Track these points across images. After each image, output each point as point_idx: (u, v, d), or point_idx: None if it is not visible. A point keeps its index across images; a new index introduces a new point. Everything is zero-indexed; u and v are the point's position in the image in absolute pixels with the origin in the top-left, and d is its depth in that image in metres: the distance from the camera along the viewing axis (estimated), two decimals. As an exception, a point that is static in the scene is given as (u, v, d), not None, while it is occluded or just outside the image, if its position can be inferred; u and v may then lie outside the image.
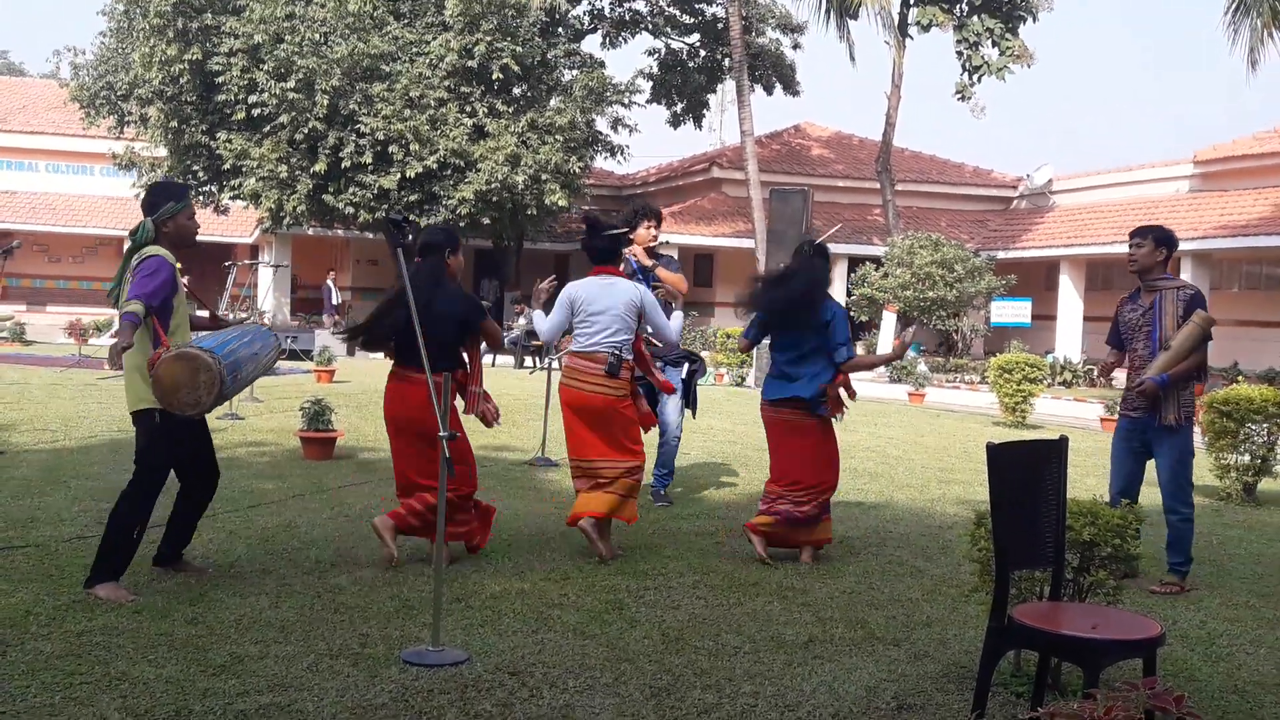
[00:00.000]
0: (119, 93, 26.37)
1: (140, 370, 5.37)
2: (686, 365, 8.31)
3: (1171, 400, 6.34)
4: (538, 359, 23.68)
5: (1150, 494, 6.44)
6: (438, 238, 6.44)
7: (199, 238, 5.93)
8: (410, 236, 6.07)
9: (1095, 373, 7.10)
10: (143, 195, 5.74)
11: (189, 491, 5.81)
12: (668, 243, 8.56)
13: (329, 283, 30.65)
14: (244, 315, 18.61)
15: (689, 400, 8.43)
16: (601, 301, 6.59)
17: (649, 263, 7.96)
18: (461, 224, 25.11)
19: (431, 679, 4.42)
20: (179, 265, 5.62)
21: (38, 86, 40.51)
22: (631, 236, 8.07)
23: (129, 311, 5.20)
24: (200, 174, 26.40)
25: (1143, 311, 6.53)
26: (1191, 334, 6.30)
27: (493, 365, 23.64)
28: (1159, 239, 6.51)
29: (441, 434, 4.98)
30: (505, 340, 24.53)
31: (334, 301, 30.63)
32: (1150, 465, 6.56)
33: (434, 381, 5.25)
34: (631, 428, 6.65)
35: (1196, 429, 9.92)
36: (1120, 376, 6.82)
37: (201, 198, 27.73)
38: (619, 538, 6.85)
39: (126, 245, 5.64)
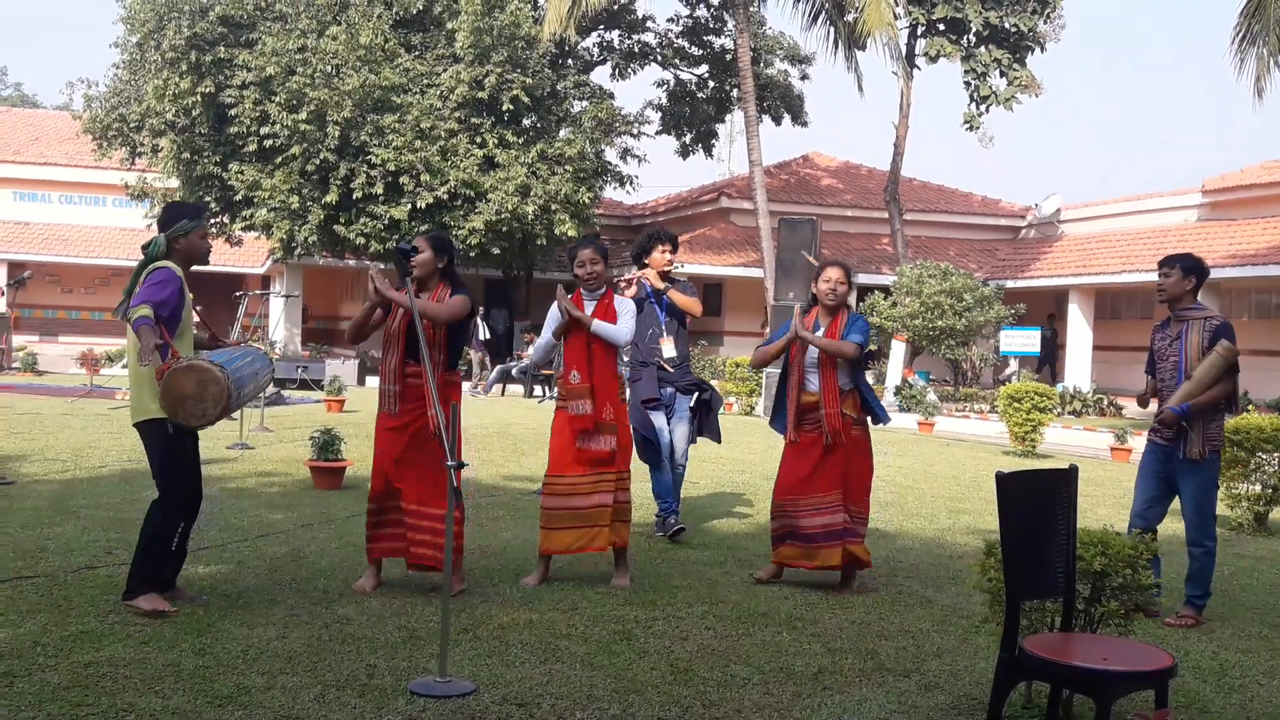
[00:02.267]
0: (131, 124, 26.54)
1: (150, 382, 5.43)
2: (696, 394, 8.24)
3: (1196, 432, 6.26)
4: (547, 388, 23.68)
5: (1169, 524, 6.40)
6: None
7: (210, 267, 5.99)
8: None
9: (1136, 402, 7.05)
10: (159, 211, 5.80)
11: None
12: (682, 266, 8.56)
13: (478, 320, 26.51)
14: (252, 340, 18.66)
15: (704, 429, 8.38)
16: None
17: (661, 285, 8.02)
18: (471, 254, 25.19)
19: (439, 710, 4.40)
20: (190, 296, 5.67)
21: (51, 118, 40.76)
22: (646, 260, 8.15)
23: (141, 316, 5.21)
24: (212, 205, 26.53)
25: (1170, 340, 6.48)
26: (1214, 364, 6.22)
27: (502, 395, 23.67)
28: (1187, 268, 6.43)
29: (450, 463, 4.98)
30: (514, 369, 24.52)
31: (481, 337, 26.88)
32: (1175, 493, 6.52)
33: (441, 409, 5.33)
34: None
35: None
36: (1153, 404, 6.77)
37: (214, 228, 27.87)
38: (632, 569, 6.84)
39: (140, 260, 5.71)
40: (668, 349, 8.06)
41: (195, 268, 5.95)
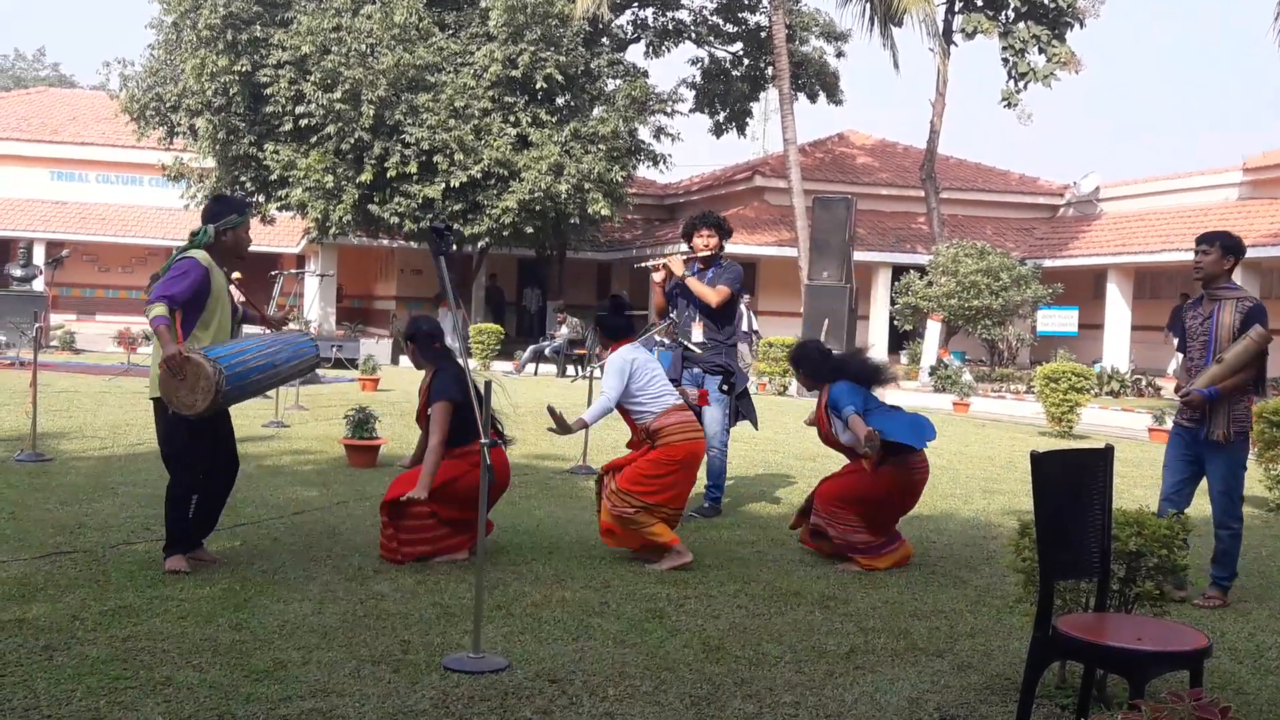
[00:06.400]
0: (168, 104, 26.67)
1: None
2: (721, 378, 8.27)
3: (1221, 414, 6.16)
4: (579, 368, 23.71)
5: (1199, 505, 6.35)
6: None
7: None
8: (453, 245, 6.29)
9: (1176, 389, 6.87)
10: (207, 204, 6.35)
11: (206, 482, 6.19)
12: (723, 252, 8.64)
13: (743, 308, 23.46)
14: (293, 324, 18.81)
15: (742, 412, 8.46)
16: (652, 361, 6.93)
17: (680, 272, 8.16)
18: (505, 233, 25.23)
19: (472, 686, 4.43)
20: (237, 275, 6.08)
21: (88, 98, 41.02)
22: (691, 246, 8.30)
23: (157, 316, 5.75)
24: (248, 184, 26.67)
25: (1202, 320, 6.33)
26: (1246, 349, 6.09)
27: (535, 375, 23.72)
28: (1226, 246, 6.28)
29: (483, 441, 5.01)
30: (547, 349, 24.59)
31: (747, 328, 21.86)
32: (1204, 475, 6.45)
33: (473, 382, 5.43)
34: None
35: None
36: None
37: (251, 209, 28.01)
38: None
39: (184, 243, 6.18)
40: (696, 334, 8.23)
41: None
